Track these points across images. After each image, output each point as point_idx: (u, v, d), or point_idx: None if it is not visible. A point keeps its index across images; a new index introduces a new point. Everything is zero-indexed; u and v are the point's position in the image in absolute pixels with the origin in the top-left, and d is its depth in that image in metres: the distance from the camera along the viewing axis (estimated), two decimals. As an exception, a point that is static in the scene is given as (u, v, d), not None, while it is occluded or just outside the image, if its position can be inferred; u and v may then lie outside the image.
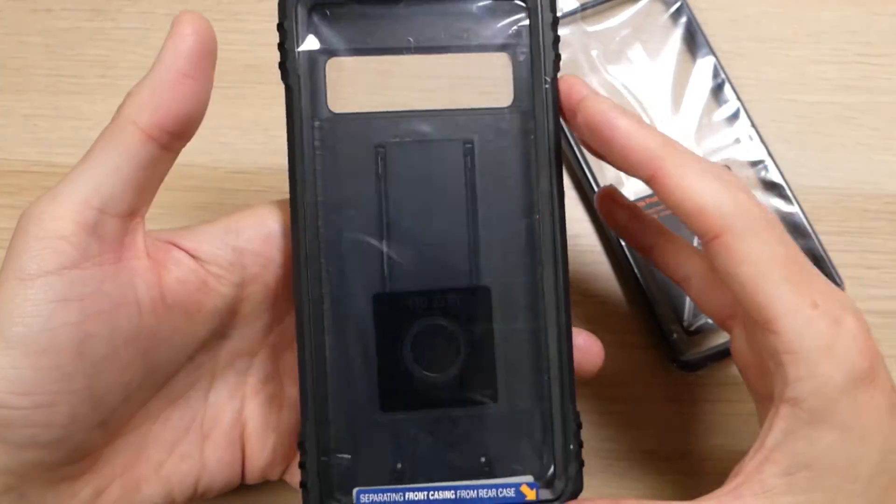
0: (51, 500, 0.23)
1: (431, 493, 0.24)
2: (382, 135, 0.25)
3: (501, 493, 0.24)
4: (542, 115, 0.25)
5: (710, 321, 0.34)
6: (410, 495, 0.24)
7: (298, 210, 0.24)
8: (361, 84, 0.26)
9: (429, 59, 0.26)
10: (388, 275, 0.25)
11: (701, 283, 0.28)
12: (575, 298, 0.27)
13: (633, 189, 0.35)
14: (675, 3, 0.38)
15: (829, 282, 0.24)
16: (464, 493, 0.24)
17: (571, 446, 0.25)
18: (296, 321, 0.25)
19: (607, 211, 0.30)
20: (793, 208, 0.35)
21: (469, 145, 0.25)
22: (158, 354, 0.24)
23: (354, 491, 0.24)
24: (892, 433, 0.22)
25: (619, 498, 0.24)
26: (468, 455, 0.25)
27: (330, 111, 0.25)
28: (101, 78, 0.36)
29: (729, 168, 0.34)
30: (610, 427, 0.34)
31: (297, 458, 0.25)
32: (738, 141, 0.37)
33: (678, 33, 0.38)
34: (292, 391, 0.28)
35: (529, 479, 0.25)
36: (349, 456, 0.25)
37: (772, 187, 0.36)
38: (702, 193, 0.22)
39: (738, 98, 0.37)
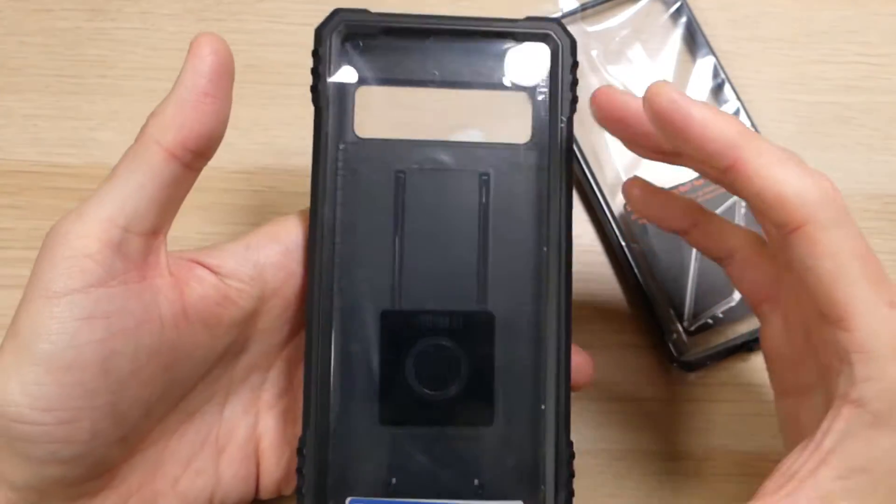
0: None
1: None
2: (404, 161, 0.26)
3: None
4: (556, 153, 0.26)
5: (710, 321, 0.34)
6: None
7: (317, 226, 0.25)
8: (387, 112, 0.27)
9: (452, 94, 0.27)
10: (397, 293, 0.26)
11: (743, 260, 0.27)
12: (575, 298, 0.27)
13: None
14: (675, 3, 0.38)
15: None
16: None
17: (563, 475, 0.25)
18: (305, 332, 0.25)
19: (638, 200, 0.29)
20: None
21: (485, 177, 0.26)
22: (179, 369, 0.24)
23: (348, 500, 0.25)
24: None
25: None
26: (461, 475, 0.25)
27: (355, 135, 0.26)
28: (101, 78, 0.36)
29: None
30: (610, 427, 0.34)
31: None
32: (738, 141, 0.37)
33: (678, 33, 0.38)
34: None
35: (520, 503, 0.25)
36: (346, 466, 0.25)
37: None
38: (783, 182, 0.21)
39: (738, 98, 0.37)
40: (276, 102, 0.37)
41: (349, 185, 0.26)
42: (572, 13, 0.37)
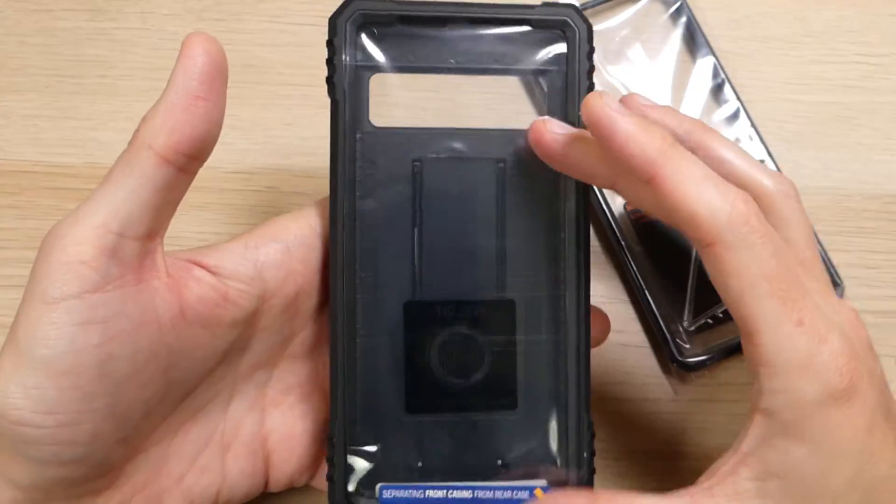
0: None
1: (450, 491, 0.25)
2: (420, 150, 0.26)
3: (516, 494, 0.25)
4: None
5: (710, 321, 0.34)
6: (430, 493, 0.25)
7: (337, 217, 0.26)
8: (402, 100, 0.27)
9: (468, 80, 0.27)
10: (418, 284, 0.26)
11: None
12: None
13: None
14: (675, 3, 0.38)
15: (829, 300, 0.24)
16: (481, 494, 0.25)
17: (585, 454, 0.26)
18: (329, 324, 0.26)
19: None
20: (793, 208, 0.35)
21: (501, 164, 0.26)
22: (179, 370, 0.24)
23: (378, 486, 0.25)
24: (866, 452, 0.22)
25: (596, 492, 0.24)
26: (486, 458, 0.26)
27: (372, 125, 0.26)
28: (101, 78, 0.36)
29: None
30: (610, 427, 0.34)
31: (324, 464, 0.27)
32: (738, 141, 0.37)
33: (678, 33, 0.38)
34: (316, 400, 0.28)
35: (543, 483, 0.26)
36: (374, 453, 0.26)
37: (772, 187, 0.36)
38: (695, 201, 0.22)
39: (738, 98, 0.37)
40: (276, 102, 0.37)
41: (367, 176, 0.26)
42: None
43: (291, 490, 0.29)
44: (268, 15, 0.38)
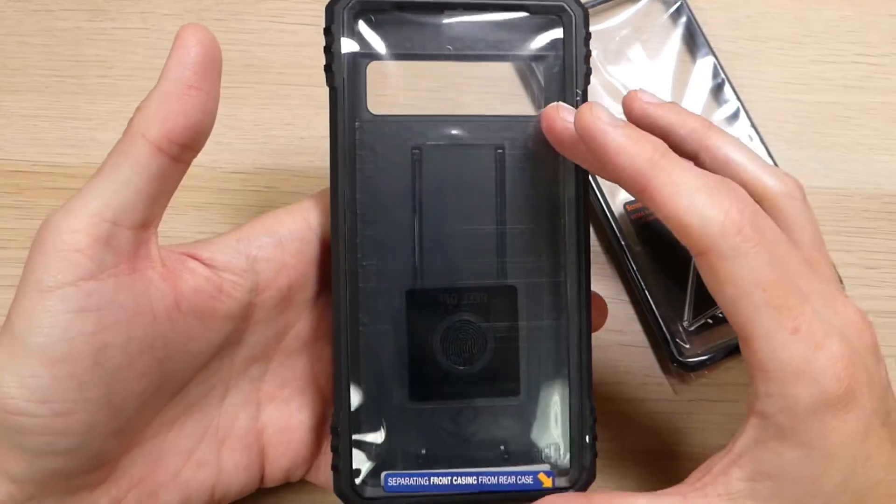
0: None
1: (455, 478, 0.26)
2: (418, 137, 0.26)
3: (520, 479, 0.26)
4: None
5: (710, 321, 0.34)
6: (435, 480, 0.26)
7: (338, 206, 0.26)
8: (400, 88, 0.27)
9: (465, 67, 0.27)
10: (420, 272, 0.26)
11: None
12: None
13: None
14: (675, 3, 0.38)
15: (833, 302, 0.24)
16: (485, 479, 0.26)
17: (587, 438, 0.26)
18: (332, 314, 0.26)
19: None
20: (793, 208, 0.35)
21: (500, 150, 0.26)
22: (174, 362, 0.25)
23: (383, 474, 0.26)
24: (860, 457, 0.22)
25: (590, 494, 0.24)
26: (490, 444, 0.26)
27: (370, 113, 0.26)
28: (101, 78, 0.36)
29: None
30: (610, 427, 0.34)
31: (320, 458, 0.28)
32: (737, 141, 0.37)
33: (678, 33, 0.38)
34: (311, 394, 0.28)
35: (546, 467, 0.26)
36: (379, 442, 0.26)
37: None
38: (686, 212, 0.22)
39: (738, 98, 0.37)
40: (275, 102, 0.37)
41: (367, 164, 0.26)
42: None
43: (287, 486, 0.29)
44: (268, 15, 0.38)
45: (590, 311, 0.27)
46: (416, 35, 0.26)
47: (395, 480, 0.26)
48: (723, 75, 0.37)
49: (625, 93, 0.37)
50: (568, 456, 0.26)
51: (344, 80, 0.25)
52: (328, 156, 0.26)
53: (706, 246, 0.22)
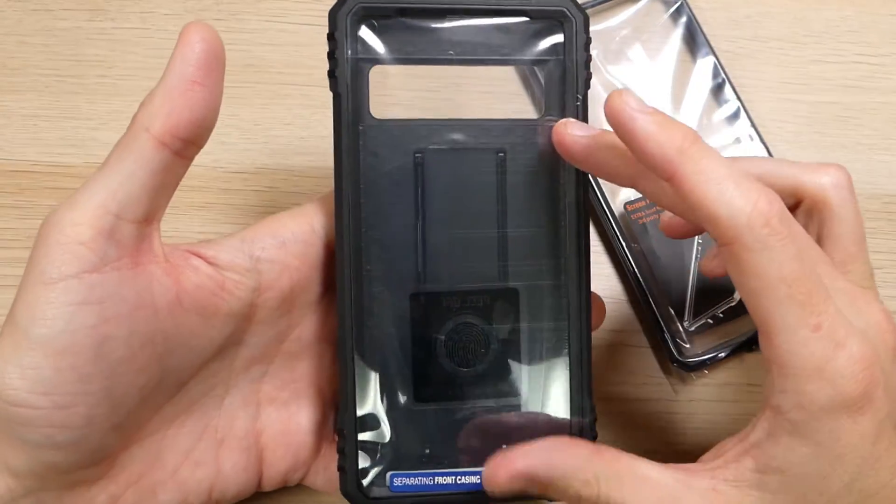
0: None
1: (459, 477, 0.26)
2: (421, 141, 0.26)
3: None
4: None
5: (710, 321, 0.34)
6: (440, 479, 0.26)
7: (343, 210, 0.26)
8: (402, 92, 0.27)
9: (467, 71, 0.26)
10: (423, 275, 0.26)
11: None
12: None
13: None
14: (675, 2, 0.38)
15: (858, 302, 0.24)
16: None
17: (588, 438, 0.27)
18: (337, 316, 0.26)
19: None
20: (793, 208, 0.35)
21: (501, 154, 0.27)
22: (175, 358, 0.25)
23: (389, 475, 0.26)
24: (870, 459, 0.22)
25: (600, 446, 0.24)
26: (492, 444, 0.26)
27: (373, 117, 0.26)
28: (101, 78, 0.36)
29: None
30: (610, 427, 0.34)
31: (319, 461, 0.28)
32: (738, 141, 0.37)
33: (678, 33, 0.38)
34: (311, 397, 0.28)
35: None
36: (384, 442, 0.26)
37: (772, 187, 0.36)
38: (715, 201, 0.22)
39: (738, 98, 0.37)
40: (276, 102, 0.37)
41: (370, 169, 0.26)
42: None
43: (285, 489, 0.29)
44: (268, 15, 0.38)
45: (590, 312, 0.27)
46: (419, 40, 0.26)
47: (401, 480, 0.26)
48: (723, 75, 0.37)
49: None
50: None
51: (347, 85, 0.26)
52: (328, 155, 0.26)
53: (732, 236, 0.22)
